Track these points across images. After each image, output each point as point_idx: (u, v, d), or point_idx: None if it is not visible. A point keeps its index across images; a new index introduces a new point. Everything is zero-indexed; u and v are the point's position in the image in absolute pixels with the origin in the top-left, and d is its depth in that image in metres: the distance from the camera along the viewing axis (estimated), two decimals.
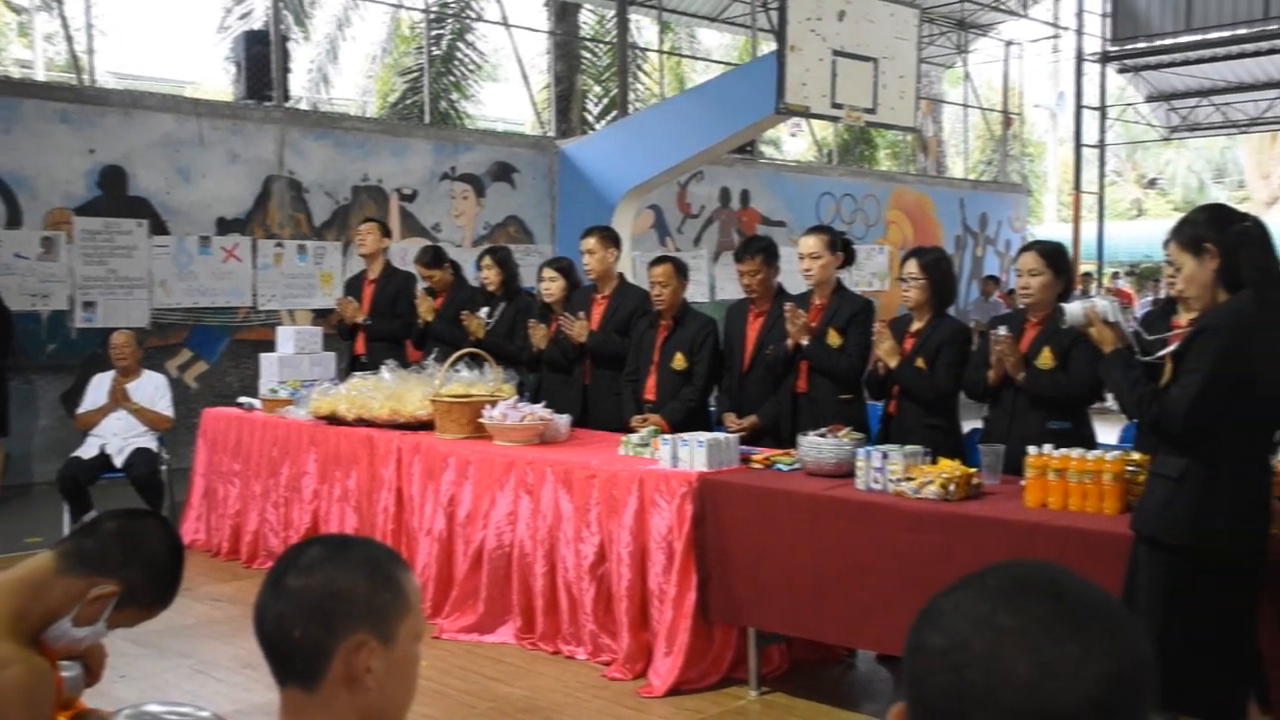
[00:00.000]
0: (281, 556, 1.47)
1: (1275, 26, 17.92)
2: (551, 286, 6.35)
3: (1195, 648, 2.96)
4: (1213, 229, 3.01)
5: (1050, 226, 25.47)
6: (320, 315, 10.21)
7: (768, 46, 13.20)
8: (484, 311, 6.67)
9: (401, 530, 5.62)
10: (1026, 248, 4.65)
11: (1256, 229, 2.97)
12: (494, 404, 5.50)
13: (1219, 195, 38.52)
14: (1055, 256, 4.52)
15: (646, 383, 5.71)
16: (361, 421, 5.91)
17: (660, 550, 4.55)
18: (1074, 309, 3.33)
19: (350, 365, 7.38)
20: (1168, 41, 19.15)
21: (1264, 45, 18.79)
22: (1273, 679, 3.17)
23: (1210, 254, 3.00)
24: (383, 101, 16.72)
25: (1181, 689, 2.99)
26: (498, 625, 5.15)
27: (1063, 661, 0.83)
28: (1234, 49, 19.09)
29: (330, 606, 1.38)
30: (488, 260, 6.89)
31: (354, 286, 7.51)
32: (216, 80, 16.36)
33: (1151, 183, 38.03)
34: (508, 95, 17.28)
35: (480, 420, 5.48)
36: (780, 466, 4.61)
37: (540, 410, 5.49)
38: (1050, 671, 0.83)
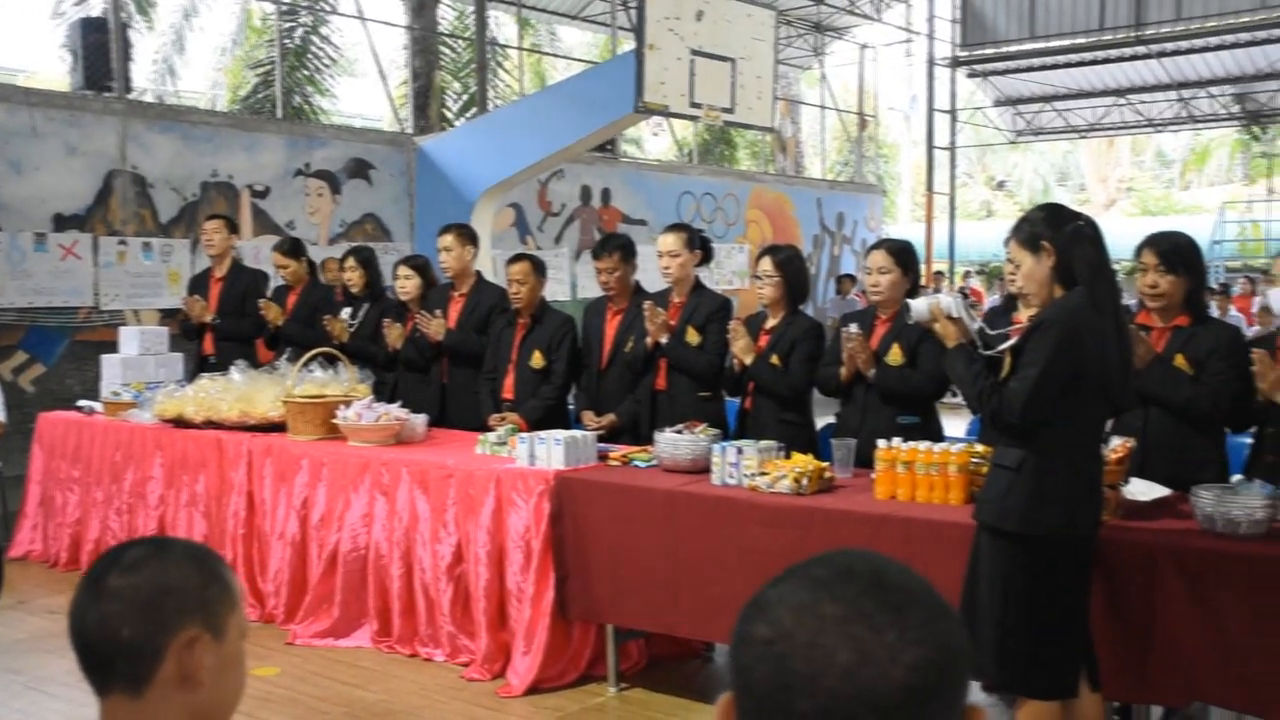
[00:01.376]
0: (98, 560, 1.42)
1: (1110, 36, 18.74)
2: (407, 285, 6.26)
3: (1033, 631, 3.07)
4: (1049, 227, 3.12)
5: (905, 226, 26.17)
6: (168, 315, 9.86)
7: (628, 45, 13.25)
8: (346, 313, 6.53)
9: (253, 534, 5.46)
10: (876, 246, 4.75)
11: (1089, 228, 3.09)
12: (348, 404, 5.39)
13: (1062, 197, 40.06)
14: (903, 254, 4.63)
15: (504, 381, 5.67)
16: (210, 424, 5.72)
17: (518, 549, 4.52)
18: (919, 305, 3.41)
19: (198, 366, 7.14)
20: (1013, 48, 19.86)
21: (1100, 54, 19.63)
22: (1102, 657, 3.30)
23: (1047, 251, 3.11)
24: (233, 95, 16.26)
25: (1020, 670, 3.10)
26: (353, 629, 5.05)
27: (881, 648, 0.84)
28: (1073, 57, 19.91)
29: (162, 602, 1.35)
30: (351, 261, 6.74)
31: (200, 284, 7.26)
32: (52, 69, 15.69)
33: (1000, 185, 39.35)
34: (364, 91, 16.95)
35: (334, 421, 5.36)
36: (638, 463, 4.62)
37: (396, 410, 5.40)
38: (869, 658, 0.84)
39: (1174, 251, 3.98)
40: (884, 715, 0.84)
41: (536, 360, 5.57)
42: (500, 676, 4.56)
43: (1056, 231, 3.09)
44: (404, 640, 4.90)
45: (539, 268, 5.71)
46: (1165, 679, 3.35)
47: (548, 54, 18.79)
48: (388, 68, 14.19)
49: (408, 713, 4.31)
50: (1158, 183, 40.41)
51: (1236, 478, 3.72)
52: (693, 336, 5.16)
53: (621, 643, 4.55)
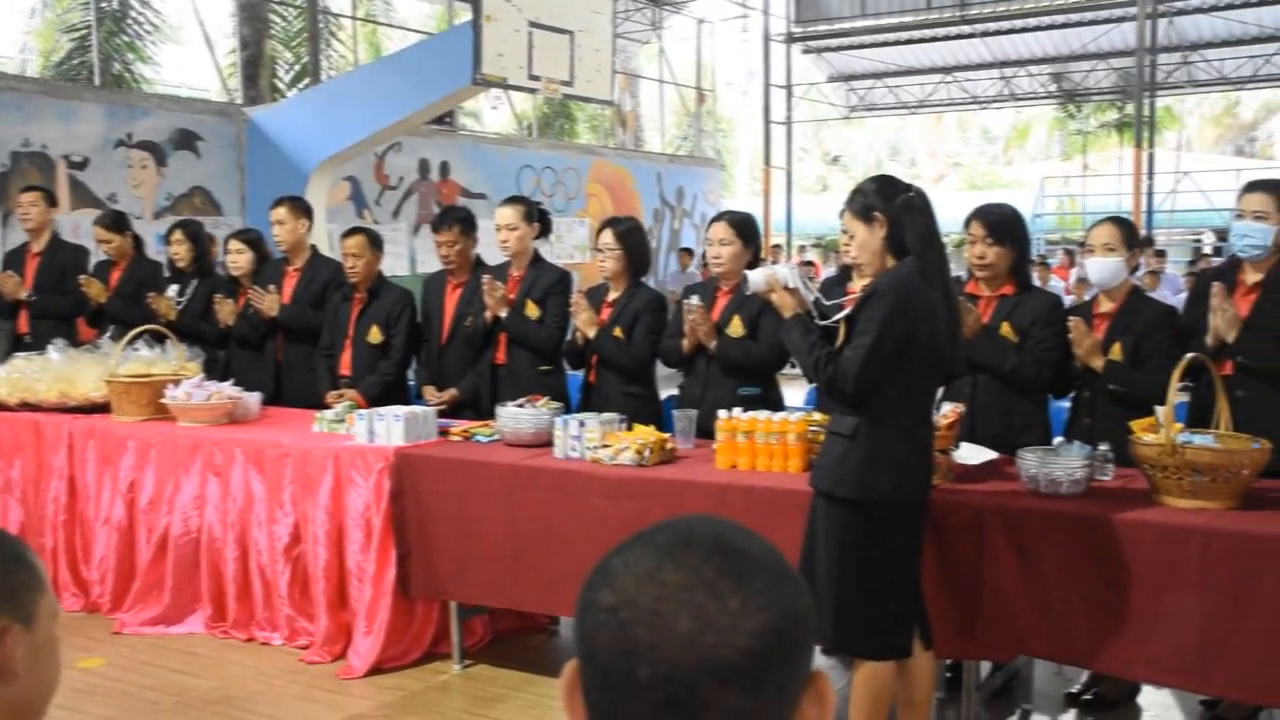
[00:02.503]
0: None
1: (936, 16, 19.32)
2: (239, 259, 6.04)
3: (868, 594, 3.15)
4: (881, 198, 3.19)
5: (743, 200, 26.55)
6: None
7: (465, 16, 13.03)
8: (173, 290, 6.24)
9: (75, 520, 5.21)
10: (717, 218, 4.78)
11: (920, 199, 3.16)
12: (177, 383, 5.18)
13: (894, 171, 41.07)
14: (744, 226, 4.67)
15: (342, 358, 5.53)
16: (26, 406, 5.42)
17: (358, 528, 4.43)
18: (756, 276, 3.45)
19: (12, 345, 6.75)
20: (846, 25, 20.30)
21: (927, 33, 20.23)
22: (934, 617, 3.41)
23: (879, 222, 3.18)
24: (45, 60, 15.41)
25: (856, 632, 3.18)
26: (185, 615, 4.87)
27: (722, 615, 0.84)
28: (903, 35, 20.48)
29: None
30: (178, 235, 6.45)
31: (15, 260, 6.87)
32: None
33: (835, 160, 40.25)
34: (190, 59, 16.28)
35: (162, 401, 5.15)
36: (479, 438, 4.57)
37: (228, 388, 5.21)
38: (710, 625, 0.84)
39: (1000, 223, 4.13)
40: (726, 681, 0.83)
41: (374, 335, 5.45)
42: (341, 658, 4.47)
43: (888, 202, 3.16)
44: (240, 625, 4.75)
45: (375, 241, 5.58)
46: (994, 635, 3.49)
47: (383, 24, 18.35)
48: (214, 35, 13.65)
49: (244, 698, 4.19)
50: (983, 158, 41.96)
51: (1058, 440, 3.89)
52: (532, 310, 5.12)
53: (465, 619, 4.51)
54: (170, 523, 4.87)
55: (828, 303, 3.40)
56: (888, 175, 3.33)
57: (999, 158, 40.54)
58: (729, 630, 0.84)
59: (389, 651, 4.39)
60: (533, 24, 9.36)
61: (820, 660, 4.35)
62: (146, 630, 4.83)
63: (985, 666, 4.13)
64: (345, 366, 5.51)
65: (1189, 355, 3.50)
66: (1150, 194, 18.46)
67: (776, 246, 18.49)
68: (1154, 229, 18.01)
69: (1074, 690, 4.11)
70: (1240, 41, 19.64)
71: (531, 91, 10.18)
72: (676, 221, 18.69)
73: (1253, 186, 3.91)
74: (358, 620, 4.44)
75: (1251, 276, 3.90)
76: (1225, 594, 3.16)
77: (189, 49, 15.84)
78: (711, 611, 0.85)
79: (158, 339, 5.51)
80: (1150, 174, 18.43)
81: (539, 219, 5.27)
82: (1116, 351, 3.98)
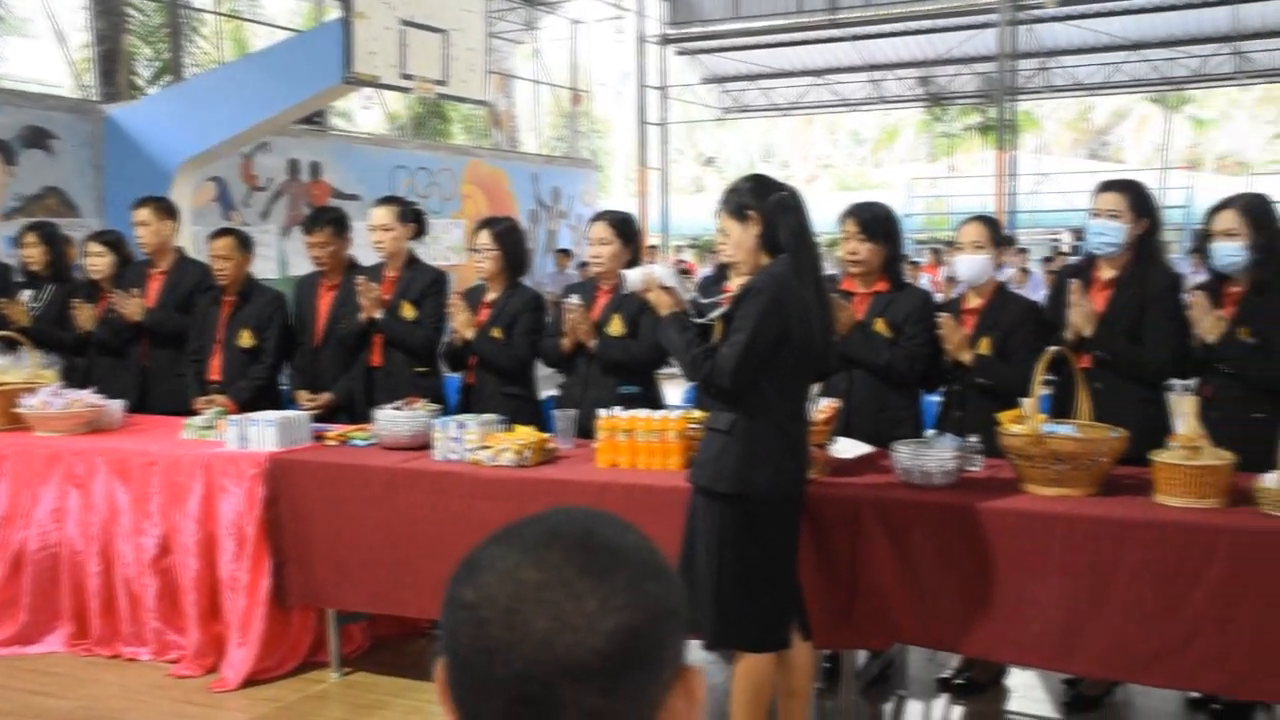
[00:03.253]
0: None
1: (807, 20, 19.65)
2: (99, 262, 5.82)
3: (747, 588, 3.19)
4: (755, 197, 3.23)
5: (619, 201, 26.60)
6: None
7: (334, 13, 12.80)
8: (27, 295, 5.98)
9: None
10: (597, 218, 4.78)
11: (793, 198, 3.21)
12: (33, 391, 4.98)
13: (767, 172, 41.73)
14: (623, 225, 4.69)
15: (211, 362, 5.38)
16: None
17: (230, 537, 4.31)
18: (633, 275, 3.47)
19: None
20: (719, 27, 20.52)
21: (798, 36, 20.57)
22: (813, 608, 3.47)
23: (753, 220, 3.22)
24: None
25: (735, 626, 3.22)
26: (44, 634, 4.67)
27: (579, 615, 0.84)
28: (774, 38, 20.80)
29: None
30: (31, 237, 6.16)
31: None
32: None
33: (710, 161, 40.64)
34: (40, 53, 15.64)
35: (16, 410, 4.94)
36: (356, 442, 4.50)
37: (88, 396, 5.03)
38: (566, 625, 0.83)
39: (873, 220, 4.22)
40: (581, 681, 0.83)
41: (245, 339, 5.31)
42: (214, 671, 4.35)
43: (762, 201, 3.20)
44: (104, 641, 4.58)
45: (245, 243, 5.45)
46: (871, 624, 3.56)
47: (248, 20, 17.92)
48: (66, 29, 13.14)
49: (109, 717, 4.04)
50: (853, 160, 42.82)
51: (930, 433, 3.99)
52: (408, 311, 5.05)
53: (343, 626, 4.43)
54: (27, 538, 4.67)
55: (704, 301, 3.43)
56: (762, 175, 3.37)
57: (868, 159, 41.43)
58: (585, 631, 0.84)
59: (264, 662, 4.29)
60: (405, 22, 9.25)
61: (703, 656, 4.39)
62: (1, 651, 4.63)
63: (863, 655, 4.23)
64: (215, 371, 5.36)
65: (1050, 349, 3.63)
66: (1012, 194, 19.08)
67: (653, 247, 18.59)
68: (1016, 228, 18.61)
69: (946, 675, 4.22)
70: (1093, 49, 20.44)
71: (404, 91, 10.05)
72: (553, 223, 18.67)
73: (1106, 186, 4.06)
74: (231, 631, 4.32)
75: (1106, 273, 4.05)
76: (1085, 577, 3.28)
77: (38, 42, 15.24)
78: (568, 612, 0.84)
79: (10, 346, 5.28)
80: (1012, 175, 19.05)
81: (414, 219, 5.21)
82: (985, 346, 4.10)
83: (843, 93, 23.53)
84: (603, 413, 4.04)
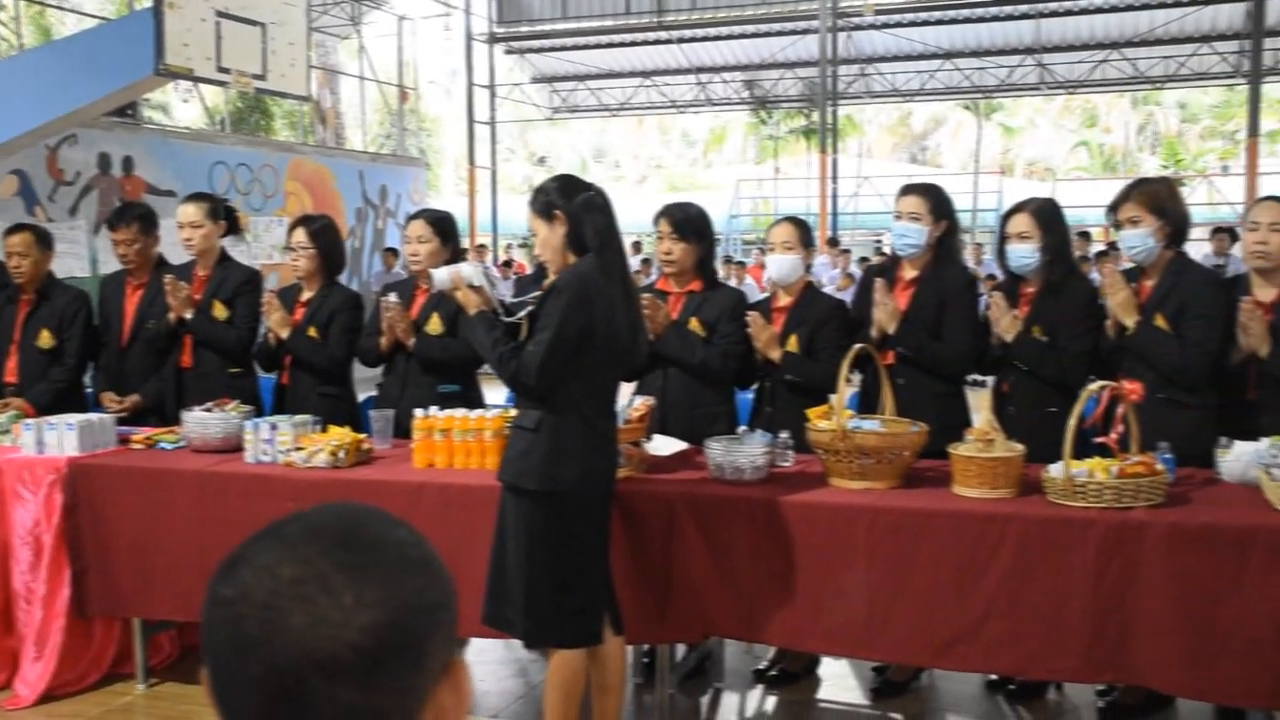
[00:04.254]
0: None
1: (635, 21, 19.84)
2: None
3: (558, 584, 3.21)
4: (561, 197, 3.26)
5: (449, 200, 26.37)
6: None
7: (146, 2, 12.32)
8: None
9: None
10: (415, 216, 4.74)
11: (599, 198, 3.26)
12: None
13: (599, 173, 42.02)
14: (442, 223, 4.65)
15: (7, 364, 5.11)
16: None
17: (26, 546, 4.12)
18: (440, 274, 3.46)
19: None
20: (547, 27, 20.52)
21: (626, 37, 20.75)
22: (628, 603, 3.52)
23: (559, 220, 3.25)
24: None
25: (547, 623, 3.24)
26: None
27: (334, 610, 0.84)
28: (603, 39, 20.92)
29: None
30: None
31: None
32: None
33: (541, 160, 40.60)
34: None
35: None
36: (164, 445, 4.35)
37: None
38: (321, 621, 0.84)
39: (685, 220, 4.30)
40: (334, 677, 0.83)
41: (45, 340, 5.07)
42: (6, 688, 4.14)
43: (569, 201, 3.24)
44: None
45: (44, 239, 5.20)
46: (685, 618, 3.63)
47: (52, 5, 17.07)
48: None
49: None
50: (683, 161, 43.38)
51: (741, 429, 4.09)
52: (220, 311, 4.91)
53: (150, 636, 4.28)
54: None
55: (514, 300, 3.44)
56: (569, 175, 3.40)
57: (699, 160, 42.05)
58: (340, 626, 0.84)
59: (63, 676, 4.11)
60: (220, 14, 8.94)
61: (524, 655, 4.40)
62: None
63: (681, 648, 4.30)
64: (11, 374, 5.09)
65: (856, 346, 3.76)
66: (835, 197, 19.65)
67: (481, 246, 18.47)
68: (839, 230, 19.19)
69: (761, 667, 4.33)
70: (909, 57, 21.20)
71: (221, 84, 9.72)
72: (380, 221, 18.35)
73: (908, 190, 4.24)
74: (26, 645, 4.13)
75: (909, 273, 4.22)
76: (889, 567, 3.41)
77: None
78: (324, 607, 0.84)
79: None
80: (834, 178, 19.61)
81: (225, 216, 5.06)
82: (793, 344, 4.22)
83: (671, 94, 23.82)
84: (419, 413, 4.01)
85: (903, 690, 4.18)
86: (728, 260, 16.02)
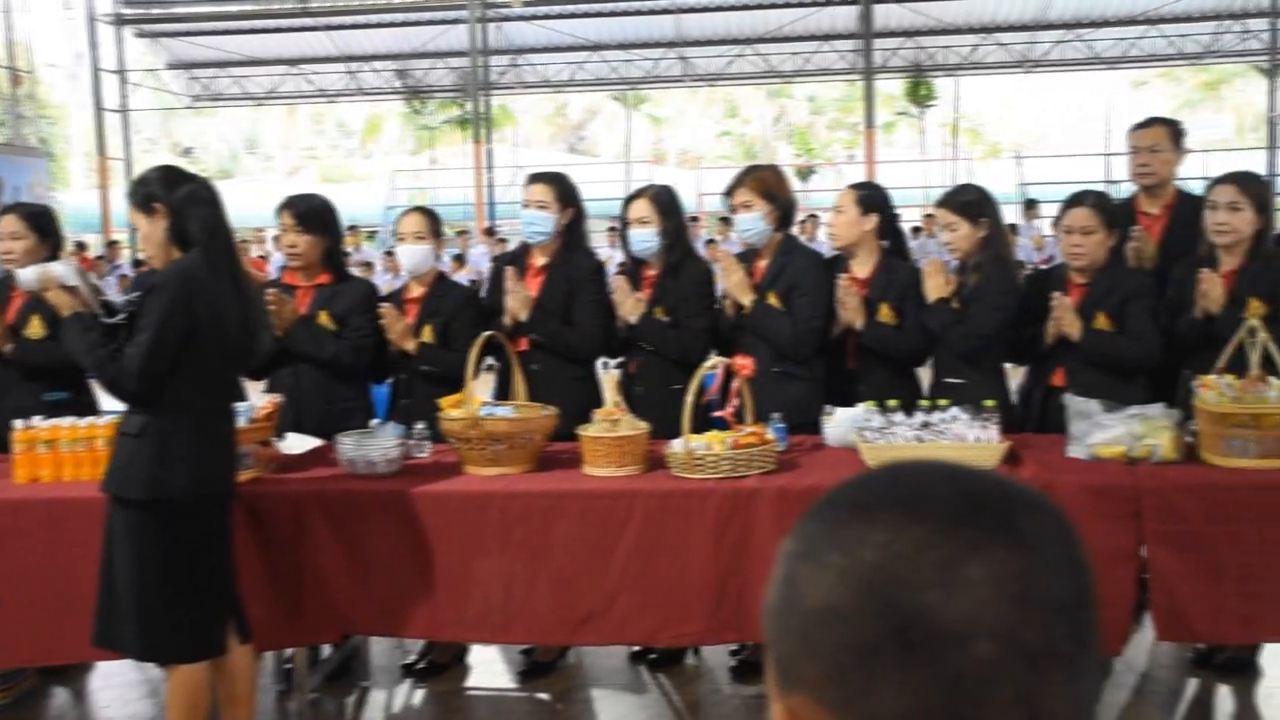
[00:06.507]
0: None
1: (278, 6, 19.12)
2: None
3: (172, 596, 3.03)
4: (163, 189, 3.09)
5: (80, 194, 24.50)
6: None
7: None
8: None
9: None
10: (6, 210, 4.36)
11: (205, 190, 3.11)
12: None
13: (251, 164, 40.34)
14: (38, 219, 4.31)
15: None
16: None
17: None
18: (26, 274, 3.20)
19: None
20: (182, 10, 19.42)
21: (271, 23, 19.96)
22: (259, 609, 3.39)
23: (160, 213, 3.08)
24: None
25: (162, 639, 3.07)
26: None
27: None
28: (245, 24, 20.02)
29: None
30: None
31: None
32: None
33: (187, 151, 38.57)
34: None
35: None
36: None
37: None
38: None
39: (309, 212, 4.19)
40: None
41: None
42: None
43: (170, 193, 3.07)
44: None
45: None
46: (319, 619, 3.53)
47: None
48: None
49: None
50: (339, 152, 42.33)
51: (375, 421, 4.02)
52: None
53: None
54: None
55: (121, 299, 3.24)
56: (171, 165, 3.24)
57: (356, 151, 41.16)
58: None
59: None
60: None
61: (156, 674, 4.16)
62: None
63: (327, 649, 4.20)
64: None
65: (485, 334, 3.79)
66: (491, 186, 19.73)
67: (114, 243, 17.26)
68: (496, 219, 19.28)
69: (409, 661, 4.29)
70: (559, 49, 21.57)
71: None
72: None
73: (535, 179, 4.30)
74: None
75: (539, 260, 4.29)
76: (523, 550, 3.46)
77: None
78: None
79: None
80: (490, 168, 19.69)
81: None
82: (427, 334, 4.20)
83: (320, 83, 23.12)
84: (19, 424, 3.69)
85: (550, 670, 4.25)
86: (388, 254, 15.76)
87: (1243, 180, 3.96)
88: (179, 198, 3.05)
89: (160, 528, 3.01)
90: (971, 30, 20.83)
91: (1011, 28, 20.79)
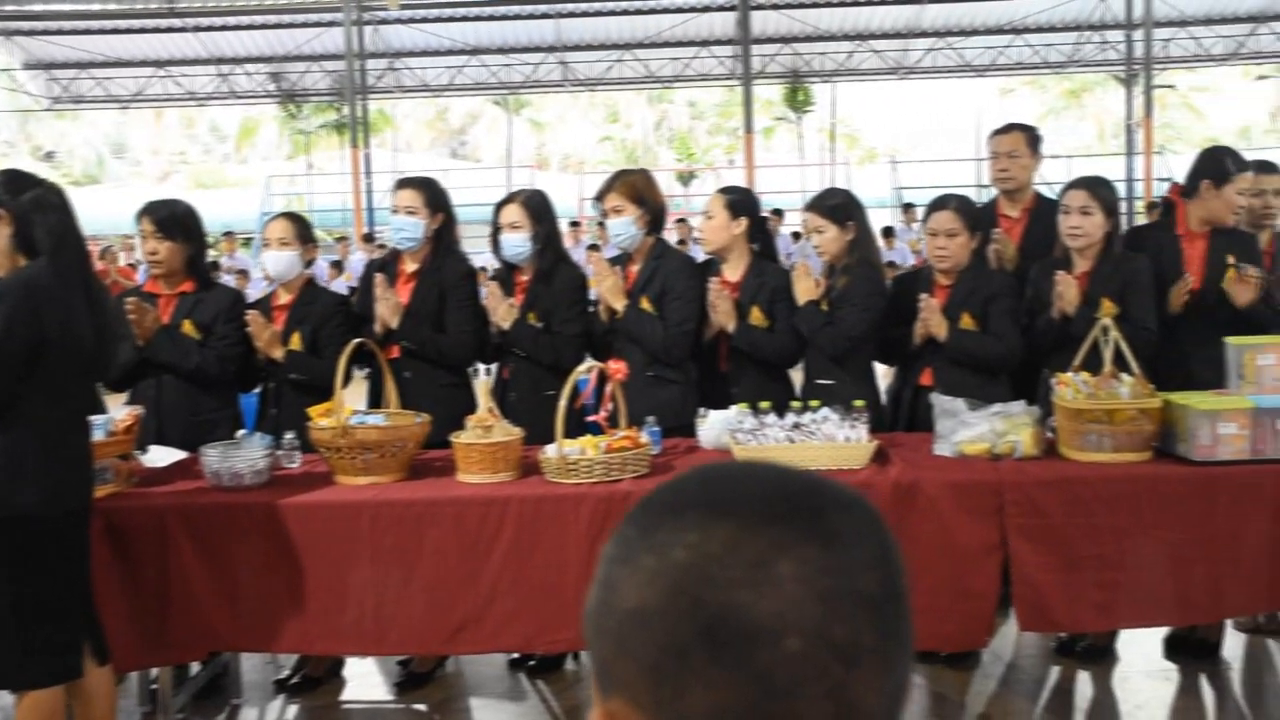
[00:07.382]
0: None
1: (143, 6, 18.59)
2: None
3: (22, 618, 2.90)
4: (6, 193, 2.97)
5: None
6: None
7: None
8: None
9: None
10: None
11: (53, 194, 3.00)
12: None
13: (118, 169, 39.11)
14: None
15: None
16: None
17: None
18: None
19: None
20: (40, 8, 18.76)
21: (136, 23, 19.39)
22: (120, 628, 3.27)
23: (3, 219, 2.96)
24: None
25: (11, 663, 2.94)
26: None
27: None
28: (108, 24, 19.42)
29: None
30: None
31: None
32: None
33: (49, 155, 37.31)
34: None
35: None
36: None
37: None
38: None
39: (170, 219, 4.07)
40: None
41: None
42: None
43: (14, 197, 2.96)
44: None
45: None
46: (184, 637, 3.42)
47: None
48: None
49: None
50: (213, 156, 41.32)
51: (242, 432, 3.93)
52: None
53: None
54: None
55: None
56: (17, 170, 3.11)
57: (231, 155, 40.23)
58: None
59: None
60: None
61: (8, 699, 3.99)
62: None
63: (195, 666, 4.08)
64: None
65: (354, 341, 3.73)
66: (370, 192, 19.45)
67: None
68: (375, 225, 19.00)
69: (282, 676, 4.20)
70: (437, 52, 21.38)
71: None
72: None
73: (403, 184, 4.25)
74: None
75: (410, 266, 4.25)
76: (394, 560, 3.40)
77: None
78: None
79: None
80: (368, 173, 19.42)
81: None
82: (296, 341, 4.11)
83: (189, 86, 22.52)
84: None
85: (428, 680, 4.20)
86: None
87: (1093, 185, 4.10)
88: (23, 203, 2.93)
89: (11, 546, 2.88)
90: (847, 37, 21.26)
91: (885, 35, 21.29)
